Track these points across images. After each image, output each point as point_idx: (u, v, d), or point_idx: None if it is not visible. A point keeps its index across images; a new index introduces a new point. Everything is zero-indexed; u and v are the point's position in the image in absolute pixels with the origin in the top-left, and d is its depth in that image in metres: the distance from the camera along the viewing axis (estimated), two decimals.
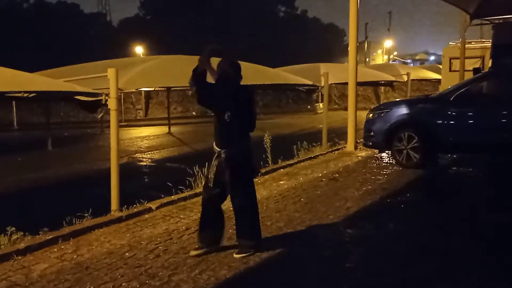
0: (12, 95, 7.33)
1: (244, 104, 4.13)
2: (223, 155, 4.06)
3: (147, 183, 9.15)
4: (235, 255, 4.15)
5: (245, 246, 4.21)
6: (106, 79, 5.62)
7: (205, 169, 6.86)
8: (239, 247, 4.23)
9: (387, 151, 8.97)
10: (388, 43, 49.80)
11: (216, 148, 4.13)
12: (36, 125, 20.17)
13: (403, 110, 8.19)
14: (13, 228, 4.59)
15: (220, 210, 4.32)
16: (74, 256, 4.26)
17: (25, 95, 7.06)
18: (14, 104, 19.64)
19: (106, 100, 5.83)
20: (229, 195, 4.25)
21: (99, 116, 15.68)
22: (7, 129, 19.74)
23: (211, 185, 4.15)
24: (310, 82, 11.46)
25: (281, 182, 7.21)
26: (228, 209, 5.62)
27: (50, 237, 4.59)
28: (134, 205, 5.75)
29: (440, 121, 7.75)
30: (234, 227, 4.38)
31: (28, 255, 4.28)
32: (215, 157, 4.14)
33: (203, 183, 4.28)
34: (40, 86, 6.79)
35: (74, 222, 5.10)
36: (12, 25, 38.16)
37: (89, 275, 3.84)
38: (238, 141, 4.12)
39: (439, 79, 19.31)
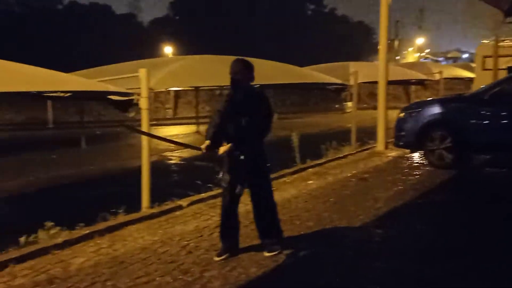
0: (49, 94, 7.59)
1: (259, 107, 4.12)
2: (241, 156, 4.05)
3: (176, 181, 9.29)
4: (265, 254, 4.18)
5: (272, 244, 4.23)
6: (138, 79, 5.75)
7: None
8: (265, 246, 4.25)
9: (418, 151, 8.83)
10: (420, 40, 48.93)
11: (233, 149, 4.09)
12: (70, 123, 20.77)
13: (436, 110, 8.05)
14: (51, 223, 4.76)
15: (237, 212, 4.34)
16: (110, 251, 4.40)
17: (61, 94, 7.30)
18: (49, 103, 20.23)
19: (138, 100, 5.96)
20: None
21: (131, 115, 16.02)
22: (43, 128, 20.38)
23: (226, 185, 4.16)
24: (339, 81, 11.38)
25: (310, 182, 7.20)
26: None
27: (86, 232, 4.75)
28: (165, 203, 5.86)
29: (473, 121, 7.59)
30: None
31: (66, 249, 4.44)
32: (232, 157, 4.08)
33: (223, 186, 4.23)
34: (76, 86, 6.99)
35: (108, 218, 5.25)
36: (47, 26, 39.31)
37: (124, 269, 3.96)
38: (254, 142, 4.13)
39: (472, 78, 18.82)
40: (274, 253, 4.17)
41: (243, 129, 4.02)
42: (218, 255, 4.17)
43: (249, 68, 4.10)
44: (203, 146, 4.03)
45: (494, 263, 3.99)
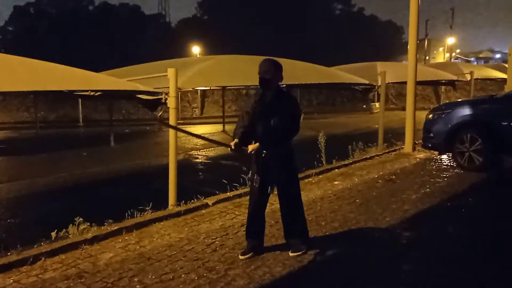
0: (80, 93, 7.78)
1: (287, 108, 4.08)
2: (273, 156, 4.06)
3: (202, 179, 9.38)
4: (290, 254, 4.19)
5: (297, 244, 4.24)
6: (166, 78, 5.83)
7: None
8: (291, 245, 4.26)
9: (447, 153, 8.65)
10: (450, 40, 47.81)
11: (262, 149, 4.08)
12: (99, 121, 21.26)
13: (466, 111, 7.87)
14: (81, 219, 4.89)
15: (264, 212, 4.35)
16: (137, 247, 4.48)
17: (92, 93, 7.49)
18: (80, 101, 20.75)
19: (166, 99, 6.05)
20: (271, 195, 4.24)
21: (159, 114, 16.24)
22: (74, 125, 20.93)
23: (257, 185, 4.16)
24: (366, 81, 11.26)
25: (336, 183, 7.16)
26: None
27: (115, 228, 4.86)
28: (192, 201, 5.94)
29: (505, 123, 7.37)
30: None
31: (95, 245, 4.55)
32: (260, 157, 4.09)
33: (253, 185, 4.24)
34: (106, 85, 7.14)
35: (136, 215, 5.35)
36: (78, 26, 40.27)
37: (151, 266, 4.03)
38: (284, 142, 4.12)
39: (505, 79, 18.28)
40: (299, 253, 4.17)
41: (272, 129, 4.01)
42: (243, 254, 4.19)
43: (278, 68, 4.10)
44: (232, 143, 4.04)
45: None
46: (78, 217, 4.88)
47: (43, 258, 4.19)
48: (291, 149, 4.21)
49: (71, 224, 4.83)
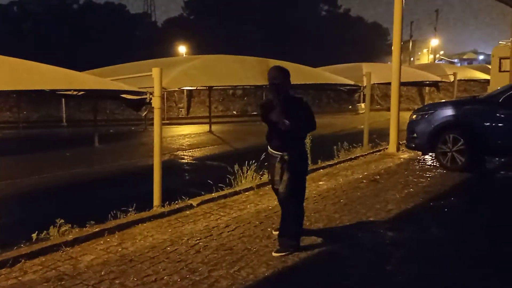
0: (63, 92, 7.69)
1: (298, 111, 4.18)
2: (286, 157, 4.16)
3: (188, 180, 9.33)
4: (274, 254, 4.19)
5: (286, 245, 4.25)
6: (151, 78, 5.78)
7: (245, 167, 7.00)
8: (279, 245, 4.27)
9: (430, 154, 8.73)
10: (434, 42, 48.37)
11: (276, 152, 4.21)
12: (83, 122, 21.01)
13: (449, 112, 7.96)
14: (62, 220, 4.80)
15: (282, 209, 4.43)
16: (119, 249, 4.43)
17: (75, 93, 7.41)
18: (63, 101, 20.49)
19: (151, 99, 6.00)
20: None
21: (143, 114, 16.13)
22: (57, 125, 20.64)
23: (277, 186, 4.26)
24: (352, 82, 11.34)
25: (321, 183, 7.17)
26: (267, 208, 5.68)
27: (96, 229, 4.79)
28: (176, 202, 5.89)
29: (488, 123, 7.48)
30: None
31: (76, 247, 4.48)
32: (277, 160, 4.19)
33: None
34: (90, 84, 7.07)
35: (119, 216, 5.28)
36: (62, 25, 39.80)
37: (133, 268, 3.98)
38: (297, 144, 4.26)
39: (488, 80, 18.58)
40: (283, 254, 4.17)
41: (284, 133, 4.10)
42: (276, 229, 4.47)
43: (287, 74, 4.23)
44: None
45: (509, 268, 3.94)
46: (59, 219, 4.80)
47: (22, 260, 4.11)
48: (303, 151, 4.36)
49: (52, 226, 4.75)
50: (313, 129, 4.27)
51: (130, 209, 5.42)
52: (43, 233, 4.66)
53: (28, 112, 22.06)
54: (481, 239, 4.65)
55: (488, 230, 4.95)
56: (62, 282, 3.72)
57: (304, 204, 4.55)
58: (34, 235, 4.58)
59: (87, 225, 4.89)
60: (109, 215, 5.25)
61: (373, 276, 3.82)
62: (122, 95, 7.70)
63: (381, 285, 3.67)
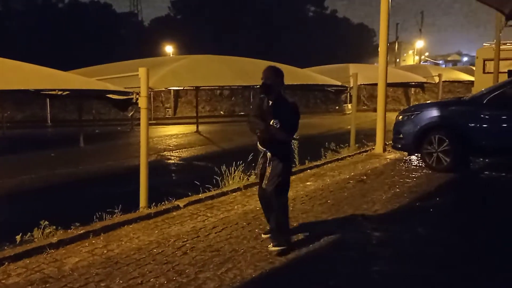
0: (47, 92, 7.57)
1: (288, 112, 4.24)
2: (268, 154, 4.25)
3: (175, 180, 9.28)
4: (271, 248, 4.25)
5: (280, 240, 4.29)
6: (137, 78, 5.72)
7: (233, 168, 6.98)
8: (274, 241, 4.32)
9: (416, 154, 8.81)
10: (420, 43, 48.86)
11: (262, 148, 4.31)
12: (68, 122, 20.79)
13: (434, 113, 8.04)
14: (46, 222, 4.73)
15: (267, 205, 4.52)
16: (105, 251, 4.37)
17: (59, 92, 7.29)
18: (48, 101, 20.25)
19: (137, 99, 5.95)
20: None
21: (130, 114, 16.01)
22: (41, 125, 20.38)
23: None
24: (339, 83, 11.38)
25: (308, 183, 7.19)
26: (255, 209, 5.66)
27: (81, 231, 4.72)
28: (162, 203, 5.84)
29: (472, 124, 7.57)
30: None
31: (60, 249, 4.41)
32: (261, 155, 4.35)
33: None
34: (74, 84, 6.97)
35: (104, 217, 5.22)
36: (47, 24, 39.30)
37: (119, 270, 3.93)
38: (281, 144, 4.29)
39: (472, 81, 18.85)
40: (281, 248, 4.23)
41: (270, 131, 4.16)
42: (266, 233, 4.60)
43: (279, 74, 4.30)
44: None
45: (493, 266, 3.98)
46: (43, 221, 4.73)
47: (6, 263, 4.04)
48: (288, 151, 4.44)
49: (36, 228, 4.67)
50: (294, 132, 4.33)
51: (116, 211, 5.36)
52: (27, 235, 4.59)
53: (12, 112, 21.74)
54: (466, 239, 4.70)
55: (473, 230, 5.00)
56: (47, 285, 3.66)
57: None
58: (18, 237, 4.52)
59: (72, 227, 4.82)
60: (95, 216, 5.19)
61: (360, 276, 3.83)
62: (107, 95, 7.61)
63: (368, 285, 3.69)
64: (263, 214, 5.36)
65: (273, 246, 4.27)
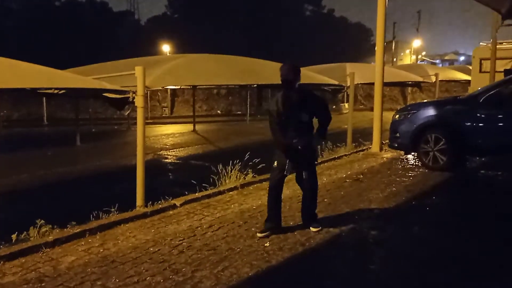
0: (44, 91, 7.55)
1: (315, 103, 4.70)
2: (299, 145, 4.57)
3: (171, 180, 9.27)
4: (313, 229, 4.77)
5: (316, 222, 4.87)
6: (134, 77, 5.72)
7: (229, 167, 6.98)
8: (311, 224, 4.83)
9: (413, 153, 8.83)
10: (417, 43, 48.93)
11: (291, 139, 4.57)
12: (65, 120, 20.70)
13: (431, 112, 8.05)
14: (42, 221, 4.73)
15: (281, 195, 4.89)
16: (101, 250, 4.37)
17: (56, 91, 7.28)
18: (44, 100, 20.18)
19: (134, 98, 5.94)
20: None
21: (126, 113, 15.97)
22: (38, 124, 20.31)
23: (288, 173, 4.74)
24: (335, 82, 11.39)
25: None
26: (251, 208, 5.65)
27: (77, 230, 4.71)
28: (159, 202, 5.84)
29: (469, 123, 7.59)
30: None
31: (56, 248, 4.41)
32: (289, 147, 4.58)
33: (275, 171, 4.82)
34: (70, 83, 6.95)
35: (101, 216, 5.22)
36: (44, 23, 39.16)
37: (115, 269, 3.93)
38: (309, 134, 4.68)
39: (469, 80, 18.86)
40: (320, 228, 4.77)
41: (304, 124, 4.57)
42: (262, 232, 4.70)
43: (297, 71, 4.54)
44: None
45: (489, 266, 4.00)
46: (39, 219, 4.72)
47: (2, 262, 4.03)
48: (314, 139, 4.78)
49: (32, 227, 4.66)
50: (330, 119, 4.79)
51: (112, 209, 5.35)
52: (23, 234, 4.58)
53: (8, 111, 21.66)
54: (462, 238, 4.71)
55: (468, 229, 5.01)
56: (43, 284, 3.65)
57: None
58: (13, 236, 4.51)
59: (68, 225, 4.82)
60: (91, 215, 5.19)
61: (356, 275, 3.84)
62: (104, 94, 7.59)
63: (364, 284, 3.69)
64: (260, 213, 5.40)
65: (314, 227, 4.78)
